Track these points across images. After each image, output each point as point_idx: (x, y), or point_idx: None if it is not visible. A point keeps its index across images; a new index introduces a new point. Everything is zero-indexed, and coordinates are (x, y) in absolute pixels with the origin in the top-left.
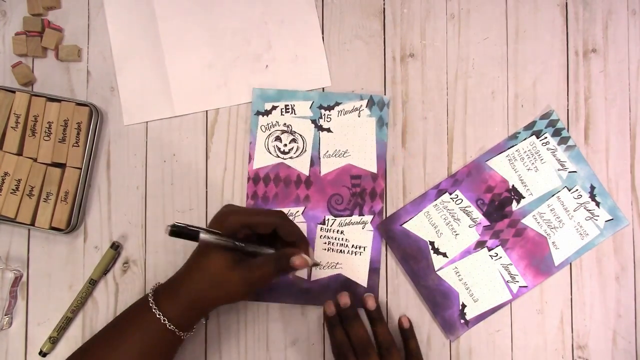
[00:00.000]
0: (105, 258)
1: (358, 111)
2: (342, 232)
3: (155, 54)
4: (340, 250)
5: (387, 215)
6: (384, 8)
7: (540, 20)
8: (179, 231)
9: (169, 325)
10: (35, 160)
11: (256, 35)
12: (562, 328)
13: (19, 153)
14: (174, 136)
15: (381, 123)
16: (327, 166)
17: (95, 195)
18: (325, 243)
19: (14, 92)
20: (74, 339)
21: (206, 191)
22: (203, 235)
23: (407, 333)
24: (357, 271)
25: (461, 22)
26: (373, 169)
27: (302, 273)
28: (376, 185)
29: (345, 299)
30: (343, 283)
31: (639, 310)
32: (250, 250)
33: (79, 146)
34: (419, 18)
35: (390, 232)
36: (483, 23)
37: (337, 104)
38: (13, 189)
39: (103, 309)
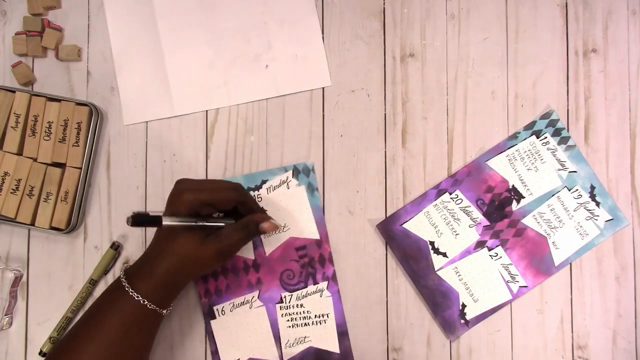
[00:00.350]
0: (105, 258)
1: (286, 183)
2: (301, 306)
3: (155, 54)
4: (305, 324)
5: (387, 215)
6: (384, 8)
7: (540, 20)
8: (140, 220)
9: (149, 305)
10: (35, 160)
11: (256, 35)
12: (562, 328)
13: (19, 153)
14: (174, 136)
15: (312, 189)
16: (271, 245)
17: (95, 195)
18: (288, 320)
19: (14, 92)
20: None
21: None
22: (166, 221)
23: None
24: (327, 339)
25: (461, 22)
26: (315, 235)
27: (274, 355)
28: (322, 251)
29: None
30: (315, 355)
31: (639, 310)
32: (213, 224)
33: (79, 146)
34: (419, 18)
35: (390, 232)
36: (483, 23)
37: (264, 182)
38: (13, 189)
39: None
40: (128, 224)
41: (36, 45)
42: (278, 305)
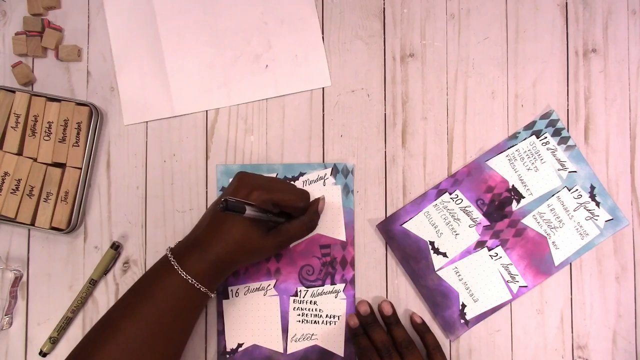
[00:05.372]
0: (105, 258)
1: (323, 180)
2: (315, 303)
3: (155, 54)
4: (315, 321)
5: (387, 215)
6: (384, 8)
7: (540, 20)
8: (231, 206)
9: (201, 288)
10: (35, 160)
11: (256, 35)
12: (562, 328)
13: (19, 153)
14: (174, 136)
15: (347, 190)
16: None
17: (95, 195)
18: (299, 315)
19: (14, 92)
20: (74, 339)
21: (206, 191)
22: (248, 211)
23: (422, 328)
24: (333, 341)
25: (461, 22)
26: (342, 237)
27: (279, 346)
28: (346, 253)
29: (364, 307)
30: (319, 354)
31: (639, 311)
32: (278, 219)
33: (79, 146)
34: (419, 18)
35: (390, 232)
36: (483, 23)
37: (302, 174)
38: (13, 189)
39: (103, 309)
40: (219, 209)
41: (36, 45)
42: (292, 298)
